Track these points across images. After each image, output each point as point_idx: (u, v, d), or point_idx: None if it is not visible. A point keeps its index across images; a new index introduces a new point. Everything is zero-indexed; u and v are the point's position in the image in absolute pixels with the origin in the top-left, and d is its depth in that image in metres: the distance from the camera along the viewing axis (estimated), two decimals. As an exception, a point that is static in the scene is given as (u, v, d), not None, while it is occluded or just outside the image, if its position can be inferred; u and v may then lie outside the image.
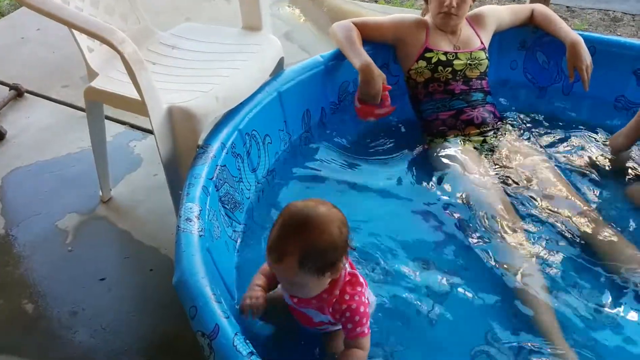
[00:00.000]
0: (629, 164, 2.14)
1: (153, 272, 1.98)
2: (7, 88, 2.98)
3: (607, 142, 2.20)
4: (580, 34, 2.31)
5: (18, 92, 2.97)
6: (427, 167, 2.15)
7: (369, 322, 1.36)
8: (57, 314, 1.86)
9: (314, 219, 1.25)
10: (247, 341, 1.23)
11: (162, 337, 1.78)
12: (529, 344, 1.56)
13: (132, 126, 2.73)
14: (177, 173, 1.86)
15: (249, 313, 1.39)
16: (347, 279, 1.36)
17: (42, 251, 2.10)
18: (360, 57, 2.17)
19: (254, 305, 1.39)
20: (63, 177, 2.45)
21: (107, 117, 2.47)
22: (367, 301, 1.36)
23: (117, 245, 2.13)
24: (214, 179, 1.71)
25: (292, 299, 1.39)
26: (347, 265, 1.37)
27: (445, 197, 1.99)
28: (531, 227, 1.86)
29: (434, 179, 2.08)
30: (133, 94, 1.76)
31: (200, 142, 1.84)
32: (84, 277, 1.98)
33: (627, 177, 2.10)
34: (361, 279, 1.39)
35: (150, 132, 1.83)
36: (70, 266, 2.04)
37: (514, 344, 1.56)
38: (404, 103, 2.35)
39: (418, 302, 1.67)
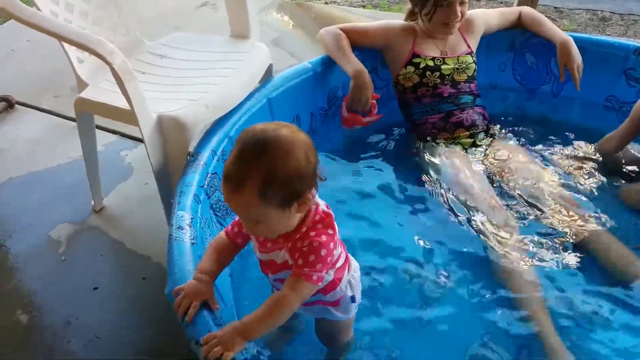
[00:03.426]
0: (620, 165, 2.15)
1: (146, 281, 1.99)
2: (-2, 100, 2.98)
3: (597, 145, 2.20)
4: (569, 35, 2.33)
5: (9, 104, 2.97)
6: (417, 170, 2.16)
7: (323, 274, 1.18)
8: (51, 324, 1.86)
9: (275, 142, 1.08)
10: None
11: (156, 345, 1.78)
12: (525, 344, 1.57)
13: (123, 135, 2.74)
14: (168, 181, 1.86)
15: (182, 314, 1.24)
16: (318, 217, 1.19)
17: (35, 262, 2.10)
18: (352, 64, 2.18)
19: (188, 313, 1.23)
20: (55, 187, 2.45)
21: (98, 127, 2.48)
22: (332, 247, 1.18)
23: (110, 254, 2.13)
24: (205, 186, 1.71)
25: (264, 247, 1.25)
26: (321, 204, 1.22)
27: (437, 199, 2.01)
28: (523, 227, 1.87)
29: (424, 181, 2.10)
30: (123, 103, 1.76)
31: (190, 150, 1.84)
32: (77, 287, 1.98)
33: (618, 178, 2.11)
34: (335, 224, 1.21)
35: (141, 141, 1.83)
36: (64, 276, 2.04)
37: (509, 344, 1.57)
38: (392, 107, 2.36)
39: (412, 303, 1.68)
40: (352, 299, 1.36)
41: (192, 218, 1.56)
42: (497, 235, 1.83)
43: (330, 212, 1.22)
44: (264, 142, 1.08)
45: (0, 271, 2.06)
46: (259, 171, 1.07)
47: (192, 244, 1.46)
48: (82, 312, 1.89)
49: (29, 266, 2.08)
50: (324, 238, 1.16)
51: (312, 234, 1.16)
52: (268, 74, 2.23)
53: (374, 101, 2.19)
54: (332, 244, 1.18)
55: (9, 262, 2.10)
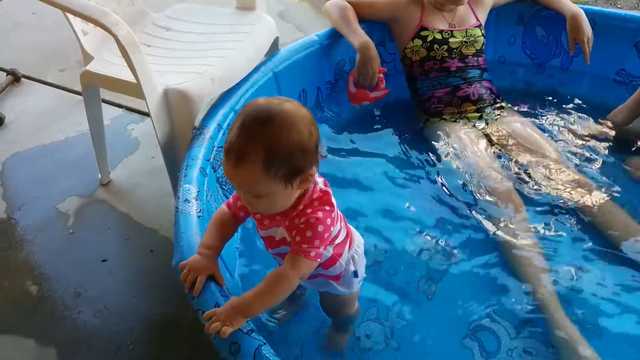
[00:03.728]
0: (630, 138, 2.14)
1: (153, 254, 2.00)
2: (4, 73, 2.97)
3: (607, 117, 2.19)
4: (580, 7, 2.30)
5: (15, 77, 2.96)
6: (423, 145, 2.16)
7: (321, 250, 1.16)
8: (60, 295, 1.88)
9: (279, 115, 1.06)
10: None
11: (163, 316, 1.80)
12: (529, 319, 1.58)
13: (129, 109, 2.74)
14: (174, 155, 1.87)
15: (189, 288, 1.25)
16: (316, 195, 1.18)
17: (44, 234, 2.11)
18: (358, 36, 2.16)
19: (195, 287, 1.24)
20: (62, 161, 2.46)
21: (105, 101, 2.48)
22: (329, 224, 1.16)
23: (118, 227, 2.15)
24: (212, 160, 1.72)
25: (261, 224, 1.24)
26: (319, 182, 1.21)
27: (443, 174, 2.01)
28: (529, 201, 1.87)
29: (430, 156, 2.09)
30: (129, 76, 1.75)
31: (196, 124, 1.84)
32: (86, 259, 2.00)
33: (628, 151, 2.11)
34: (333, 201, 1.20)
35: (148, 115, 1.83)
36: (72, 248, 2.06)
37: (514, 318, 1.58)
38: (400, 82, 2.34)
39: (417, 278, 1.69)
40: (355, 273, 1.36)
41: (198, 191, 1.56)
42: (502, 209, 1.83)
43: (329, 189, 1.21)
44: (268, 114, 1.06)
45: (9, 243, 2.08)
46: (263, 143, 1.04)
47: (199, 217, 1.47)
48: (91, 283, 1.91)
49: (38, 238, 2.10)
50: (320, 215, 1.15)
51: (309, 211, 1.15)
52: (274, 47, 2.21)
53: (381, 75, 2.17)
54: (329, 220, 1.16)
55: (18, 234, 2.12)
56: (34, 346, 1.73)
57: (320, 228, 1.14)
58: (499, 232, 1.78)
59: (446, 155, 2.05)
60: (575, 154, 2.07)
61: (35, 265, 1.99)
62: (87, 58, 1.99)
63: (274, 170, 1.06)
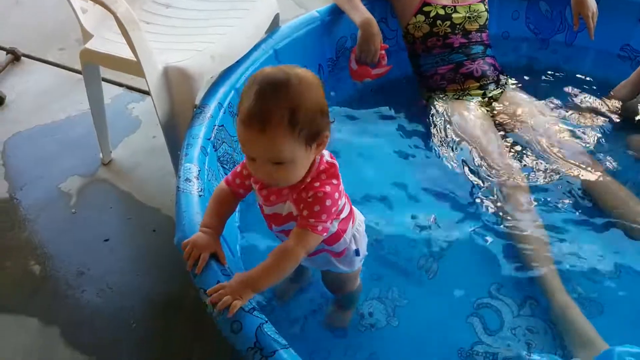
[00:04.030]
0: (633, 114, 2.12)
1: (156, 233, 2.01)
2: (4, 52, 2.95)
3: (611, 93, 2.18)
4: (584, -18, 2.26)
5: (15, 56, 2.94)
6: (425, 122, 2.14)
7: (328, 224, 1.17)
8: (63, 274, 1.89)
9: (296, 77, 1.06)
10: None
11: (166, 295, 1.81)
12: (531, 296, 1.58)
13: (130, 88, 2.72)
14: (175, 134, 1.86)
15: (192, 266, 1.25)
16: (323, 167, 1.18)
17: (46, 214, 2.12)
18: (360, 12, 2.13)
19: (197, 265, 1.24)
20: (63, 140, 2.45)
21: (105, 80, 2.47)
22: (337, 197, 1.17)
23: (119, 206, 2.15)
24: (212, 139, 1.71)
25: (267, 200, 1.23)
26: (325, 154, 1.20)
27: (445, 152, 1.99)
28: (532, 177, 1.87)
29: (432, 133, 2.08)
30: (128, 54, 1.74)
31: (197, 102, 1.83)
32: (88, 239, 2.01)
33: (631, 126, 2.10)
34: (339, 174, 1.20)
35: (148, 93, 1.82)
36: (75, 228, 2.06)
37: (516, 296, 1.59)
38: (402, 58, 2.32)
39: (420, 256, 1.70)
40: (356, 252, 1.36)
41: (199, 170, 1.56)
42: (505, 186, 1.82)
43: (335, 162, 1.20)
44: (286, 77, 1.05)
45: (12, 223, 2.08)
46: (287, 102, 1.04)
47: (200, 196, 1.47)
48: (94, 262, 1.92)
49: (41, 218, 2.10)
50: (328, 188, 1.15)
51: (317, 184, 1.15)
52: (275, 23, 2.19)
53: (383, 52, 2.15)
54: (336, 194, 1.16)
55: (20, 213, 2.12)
56: (38, 325, 1.74)
57: (328, 202, 1.15)
58: (501, 209, 1.78)
59: (448, 132, 2.03)
60: (578, 130, 2.06)
61: (38, 244, 2.00)
62: (87, 36, 1.97)
63: (298, 131, 1.05)
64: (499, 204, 1.80)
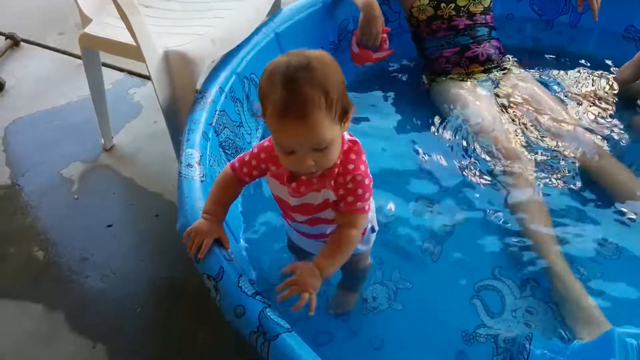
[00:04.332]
0: (637, 95, 2.11)
1: (158, 218, 2.01)
2: (3, 37, 2.93)
3: (615, 74, 2.16)
4: (588, -38, 2.23)
5: (14, 41, 2.93)
6: (429, 105, 2.13)
7: (370, 200, 1.20)
8: (67, 260, 1.89)
9: (317, 58, 1.04)
10: (253, 283, 1.24)
11: (169, 280, 1.81)
12: (535, 278, 1.58)
13: (131, 73, 2.71)
14: (176, 119, 1.85)
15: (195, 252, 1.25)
16: (347, 146, 1.17)
17: (49, 200, 2.12)
18: None
19: (199, 252, 1.25)
20: (65, 126, 2.45)
21: (106, 65, 2.45)
22: (369, 172, 1.18)
23: (122, 192, 2.15)
24: (214, 124, 1.70)
25: (297, 192, 1.21)
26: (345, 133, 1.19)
27: (448, 136, 1.98)
28: (536, 160, 1.87)
29: (436, 116, 2.07)
30: (128, 39, 1.72)
31: (198, 87, 1.82)
32: (91, 224, 2.01)
33: (634, 108, 2.08)
34: (362, 148, 1.20)
35: (149, 78, 1.81)
36: (78, 214, 2.06)
37: (519, 278, 1.59)
38: (404, 41, 2.30)
39: (422, 240, 1.69)
40: (372, 229, 1.39)
41: (201, 156, 1.55)
42: (509, 168, 1.82)
43: (356, 138, 1.20)
44: (308, 60, 1.03)
45: (15, 209, 2.09)
46: (319, 84, 1.01)
47: (202, 181, 1.47)
48: (97, 248, 1.92)
49: (43, 204, 2.10)
50: (362, 168, 1.16)
51: (351, 166, 1.15)
52: (276, 6, 2.17)
53: (385, 35, 2.12)
54: (368, 170, 1.18)
55: (23, 200, 2.13)
56: (42, 311, 1.75)
57: (367, 181, 1.17)
58: (505, 191, 1.78)
59: (452, 115, 2.02)
60: (582, 111, 2.05)
61: (41, 230, 2.00)
62: (86, 20, 1.95)
63: (334, 111, 1.05)
64: (501, 184, 1.80)
